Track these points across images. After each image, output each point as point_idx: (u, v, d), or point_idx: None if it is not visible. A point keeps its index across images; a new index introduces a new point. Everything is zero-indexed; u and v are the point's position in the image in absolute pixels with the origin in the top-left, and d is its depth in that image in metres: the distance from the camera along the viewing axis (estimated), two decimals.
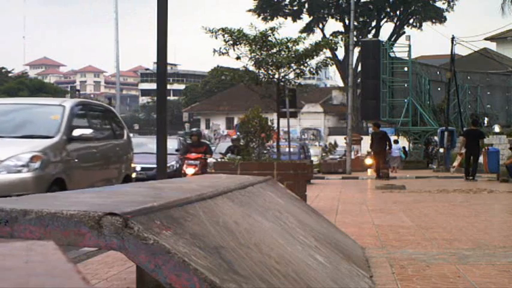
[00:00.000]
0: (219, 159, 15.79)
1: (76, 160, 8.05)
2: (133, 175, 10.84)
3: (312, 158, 27.74)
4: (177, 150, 16.97)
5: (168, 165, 12.63)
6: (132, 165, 15.03)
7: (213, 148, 22.75)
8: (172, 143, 17.84)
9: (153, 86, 65.01)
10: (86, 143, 8.35)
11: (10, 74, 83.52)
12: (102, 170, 8.89)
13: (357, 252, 4.88)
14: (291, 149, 20.44)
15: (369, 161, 27.19)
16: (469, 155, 19.44)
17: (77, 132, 8.04)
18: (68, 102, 8.57)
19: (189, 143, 15.35)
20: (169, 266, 1.91)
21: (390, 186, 15.79)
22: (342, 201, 11.64)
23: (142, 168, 15.26)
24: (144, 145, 16.95)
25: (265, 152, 10.48)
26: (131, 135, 13.64)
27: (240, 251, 2.40)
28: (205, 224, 2.47)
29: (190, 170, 13.96)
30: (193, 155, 14.46)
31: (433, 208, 9.80)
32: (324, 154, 36.07)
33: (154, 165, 15.63)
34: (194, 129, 16.37)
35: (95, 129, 8.73)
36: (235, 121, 57.09)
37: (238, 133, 17.50)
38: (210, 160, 19.68)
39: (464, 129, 27.30)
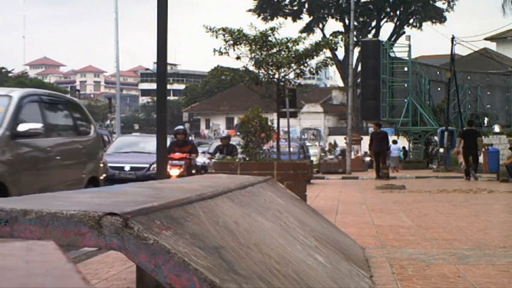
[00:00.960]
0: (210, 160, 14.90)
1: (22, 160, 6.92)
2: (111, 176, 10.71)
3: (312, 158, 27.73)
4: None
5: (154, 166, 11.94)
6: (113, 164, 14.33)
7: (205, 148, 21.81)
8: None
9: (153, 86, 65.04)
10: (36, 140, 7.18)
11: (10, 74, 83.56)
12: (57, 172, 7.61)
13: (357, 252, 4.88)
14: (290, 149, 20.24)
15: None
16: (468, 155, 19.60)
17: (23, 127, 6.85)
18: (17, 92, 7.40)
19: (173, 141, 13.92)
20: (169, 266, 1.91)
21: (390, 186, 15.80)
22: (342, 201, 11.64)
23: (132, 168, 14.60)
24: (135, 144, 16.23)
25: (261, 151, 10.42)
26: (134, 133, 13.46)
27: (240, 251, 2.40)
28: (205, 224, 2.47)
29: (174, 171, 12.76)
30: (177, 155, 13.29)
31: (433, 208, 9.80)
32: (322, 154, 35.98)
33: (145, 165, 14.35)
34: (180, 126, 14.86)
35: (50, 124, 7.64)
36: (235, 121, 57.15)
37: (238, 133, 17.43)
38: (206, 161, 18.86)
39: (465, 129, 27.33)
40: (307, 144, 37.59)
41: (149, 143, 14.91)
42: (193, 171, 13.46)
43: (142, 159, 14.77)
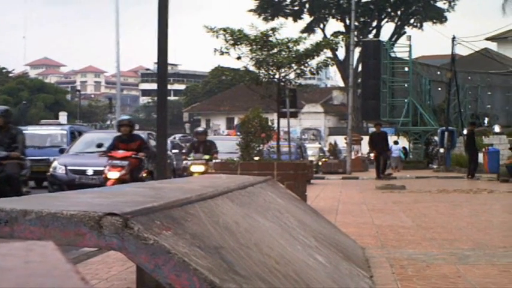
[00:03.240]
0: (187, 161, 12.83)
1: None
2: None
3: (310, 158, 27.63)
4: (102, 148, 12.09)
5: (101, 169, 10.64)
6: (73, 167, 12.71)
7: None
8: None
9: (153, 86, 65.05)
10: None
11: (10, 74, 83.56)
12: None
13: (357, 252, 4.88)
14: (287, 149, 20.02)
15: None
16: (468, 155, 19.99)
17: None
18: None
19: (117, 136, 10.99)
20: (169, 266, 1.91)
21: (390, 186, 15.80)
22: (342, 201, 11.64)
23: (96, 172, 12.35)
24: (104, 142, 12.69)
25: (257, 150, 10.39)
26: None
27: (240, 251, 2.40)
28: (206, 224, 2.47)
29: (113, 174, 10.12)
30: (120, 153, 10.39)
31: (433, 208, 9.80)
32: (321, 154, 35.81)
33: None
34: (124, 116, 11.96)
35: None
36: (236, 121, 57.11)
37: (238, 133, 17.27)
38: (177, 161, 16.50)
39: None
40: (306, 144, 37.45)
41: None
42: (143, 174, 10.82)
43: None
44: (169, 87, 7.52)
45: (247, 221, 3.03)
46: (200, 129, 14.64)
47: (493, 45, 53.44)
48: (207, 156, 12.52)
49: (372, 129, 52.13)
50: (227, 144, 19.66)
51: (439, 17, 51.78)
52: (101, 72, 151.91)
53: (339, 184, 19.50)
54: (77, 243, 2.02)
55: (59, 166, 13.37)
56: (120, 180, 9.74)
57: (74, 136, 17.73)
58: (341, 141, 41.39)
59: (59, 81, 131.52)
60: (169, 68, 7.50)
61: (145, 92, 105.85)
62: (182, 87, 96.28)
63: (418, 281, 4.12)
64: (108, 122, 63.28)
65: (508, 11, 35.40)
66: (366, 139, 41.87)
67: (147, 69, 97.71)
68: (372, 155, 24.80)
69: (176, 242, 2.04)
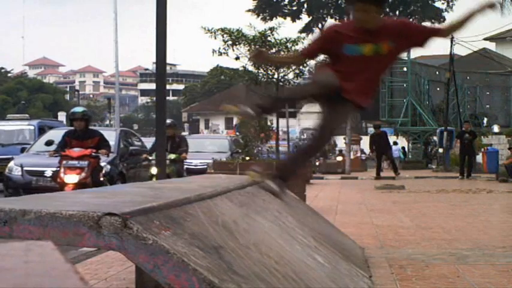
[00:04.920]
0: (147, 160, 10.79)
1: None
2: None
3: None
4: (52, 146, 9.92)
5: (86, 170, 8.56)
6: (30, 168, 11.12)
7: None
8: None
9: (152, 86, 65.00)
10: None
11: (9, 74, 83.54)
12: None
13: (356, 252, 4.88)
14: (282, 149, 19.82)
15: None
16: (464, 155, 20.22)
17: None
18: None
19: (69, 131, 9.32)
20: (168, 266, 1.91)
21: (389, 186, 15.80)
22: (341, 201, 11.64)
23: (55, 173, 10.06)
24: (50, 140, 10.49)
25: (246, 150, 10.37)
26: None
27: (239, 251, 2.40)
28: (205, 224, 2.47)
29: (71, 178, 8.53)
30: (76, 152, 8.74)
31: (432, 208, 9.81)
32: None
33: None
34: (77, 108, 9.74)
35: None
36: (235, 121, 57.09)
37: (237, 133, 17.23)
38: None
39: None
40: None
41: None
42: (101, 177, 9.21)
43: None
44: (168, 87, 7.50)
45: (246, 221, 3.03)
46: (168, 121, 11.79)
47: (491, 45, 53.47)
48: (172, 156, 10.33)
49: (371, 129, 52.16)
50: (216, 143, 19.21)
51: (437, 17, 51.73)
52: (100, 72, 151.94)
53: (338, 184, 19.49)
54: (76, 243, 2.02)
55: (15, 167, 11.80)
56: (79, 185, 8.25)
57: (43, 132, 15.08)
58: (340, 141, 41.38)
59: (57, 81, 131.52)
60: (168, 68, 7.50)
61: (144, 92, 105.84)
62: (181, 87, 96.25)
63: (417, 281, 4.12)
64: (107, 122, 63.24)
65: (506, 12, 35.42)
66: (365, 139, 41.96)
67: (146, 69, 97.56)
68: (370, 153, 24.85)
69: (175, 242, 2.04)
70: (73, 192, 3.19)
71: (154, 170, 9.66)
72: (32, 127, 17.01)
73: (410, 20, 53.06)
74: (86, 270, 4.59)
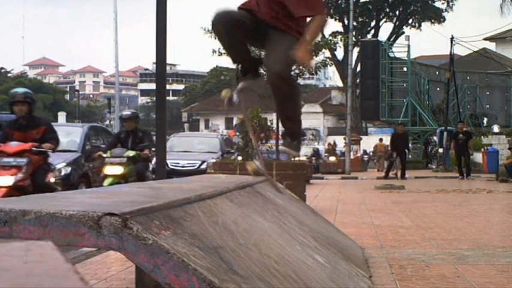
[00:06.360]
0: (101, 158, 9.14)
1: None
2: None
3: (301, 158, 27.56)
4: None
5: (21, 175, 6.83)
6: None
7: None
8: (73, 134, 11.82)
9: (152, 86, 64.99)
10: None
11: (9, 74, 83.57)
12: None
13: (356, 252, 4.88)
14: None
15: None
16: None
17: None
18: None
19: (10, 121, 7.74)
20: (168, 266, 1.91)
21: (389, 186, 15.81)
22: (341, 201, 11.64)
23: None
24: None
25: (246, 150, 10.30)
26: None
27: (239, 251, 2.40)
28: (205, 224, 2.47)
29: (4, 180, 6.89)
30: (13, 146, 7.13)
31: (432, 208, 9.81)
32: (314, 158, 35.65)
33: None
34: (19, 89, 7.82)
35: None
36: (235, 121, 57.08)
37: (237, 133, 17.12)
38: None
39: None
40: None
41: None
42: (49, 178, 7.55)
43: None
44: (168, 87, 7.48)
45: (247, 221, 3.03)
46: (127, 112, 9.83)
47: (491, 45, 53.50)
48: (132, 153, 8.82)
49: (371, 129, 52.14)
50: (206, 143, 18.05)
51: (437, 17, 51.80)
52: (100, 72, 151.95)
53: (338, 184, 19.50)
54: (76, 243, 2.02)
55: None
56: (15, 189, 6.77)
57: None
58: (340, 141, 41.35)
59: (57, 81, 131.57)
60: (168, 68, 7.50)
61: (144, 92, 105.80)
62: (181, 87, 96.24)
63: (417, 281, 4.12)
64: (107, 122, 63.22)
65: (506, 11, 35.44)
66: (365, 139, 41.98)
67: (146, 69, 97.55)
68: (393, 155, 24.63)
69: (175, 242, 2.04)
70: (73, 192, 3.19)
71: (108, 170, 8.71)
72: None
73: (410, 20, 53.07)
74: (86, 271, 4.59)
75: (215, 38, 4.56)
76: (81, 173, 10.76)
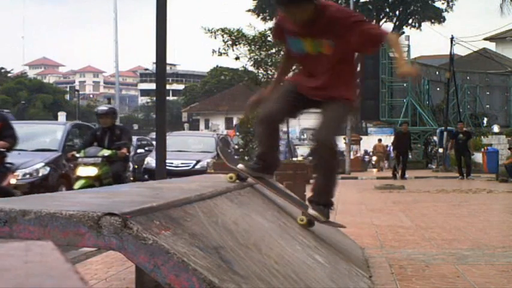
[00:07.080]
0: (79, 159, 8.29)
1: None
2: None
3: (299, 158, 27.60)
4: None
5: None
6: None
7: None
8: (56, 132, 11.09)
9: (152, 86, 65.01)
10: None
11: (9, 74, 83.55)
12: None
13: (356, 252, 4.88)
14: (282, 148, 19.19)
15: None
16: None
17: None
18: None
19: None
20: (168, 266, 1.91)
21: (389, 186, 15.81)
22: (341, 201, 11.63)
23: None
24: None
25: (246, 150, 10.29)
26: None
27: (239, 251, 2.40)
28: (205, 224, 2.47)
29: None
30: None
31: (432, 208, 9.80)
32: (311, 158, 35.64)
33: None
34: None
35: None
36: (235, 121, 57.08)
37: (237, 133, 17.05)
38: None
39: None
40: (305, 143, 37.43)
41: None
42: (8, 181, 7.04)
43: None
44: (168, 87, 7.47)
45: (247, 221, 3.03)
46: (103, 107, 9.04)
47: (491, 45, 53.50)
48: (107, 152, 8.22)
49: (371, 129, 52.11)
50: (201, 142, 17.54)
51: (437, 17, 51.84)
52: (100, 72, 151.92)
53: (337, 184, 19.46)
54: (76, 243, 2.02)
55: None
56: None
57: None
58: (340, 141, 41.35)
59: (57, 81, 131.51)
60: (168, 67, 7.49)
61: (144, 92, 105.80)
62: (181, 87, 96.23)
63: (417, 281, 4.11)
64: None
65: (506, 11, 35.44)
66: (365, 139, 41.96)
67: (146, 69, 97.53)
68: (394, 154, 24.64)
69: (175, 242, 2.03)
70: (73, 192, 3.19)
71: (81, 171, 8.12)
72: None
73: (410, 20, 53.07)
74: (86, 270, 4.59)
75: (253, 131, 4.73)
76: (61, 174, 10.11)
